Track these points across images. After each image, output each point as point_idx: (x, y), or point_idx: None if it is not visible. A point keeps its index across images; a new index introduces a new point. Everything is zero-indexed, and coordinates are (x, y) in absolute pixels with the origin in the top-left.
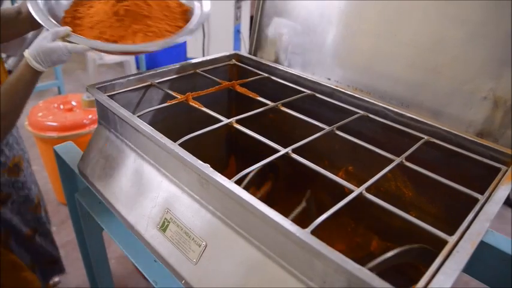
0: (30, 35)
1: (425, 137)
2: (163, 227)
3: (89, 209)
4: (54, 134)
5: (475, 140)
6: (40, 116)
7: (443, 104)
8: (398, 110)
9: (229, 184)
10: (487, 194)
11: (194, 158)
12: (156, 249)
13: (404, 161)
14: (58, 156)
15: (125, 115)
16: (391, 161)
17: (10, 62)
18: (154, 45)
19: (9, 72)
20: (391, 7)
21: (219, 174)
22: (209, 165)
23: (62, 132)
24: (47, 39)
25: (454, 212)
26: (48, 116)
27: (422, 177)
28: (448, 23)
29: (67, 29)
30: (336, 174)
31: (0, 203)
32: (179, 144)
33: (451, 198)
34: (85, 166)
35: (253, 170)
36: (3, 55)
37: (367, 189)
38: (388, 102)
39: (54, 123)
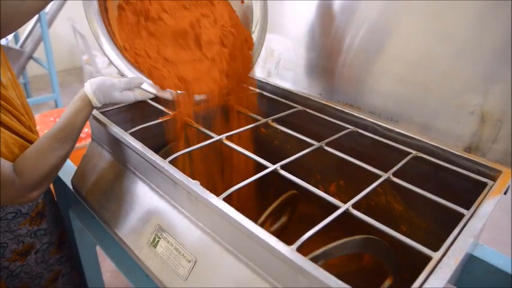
0: (29, 49)
1: (414, 152)
2: (154, 243)
3: (83, 224)
4: None
5: (462, 155)
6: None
7: (432, 118)
8: (387, 125)
9: (217, 202)
10: (472, 209)
11: (183, 175)
12: (147, 265)
13: (391, 176)
14: None
15: (116, 132)
16: (379, 176)
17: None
18: None
19: None
20: (379, 24)
21: (208, 192)
22: (198, 182)
23: None
24: (117, 88)
25: (444, 226)
26: (43, 130)
27: (411, 191)
28: (435, 39)
29: (141, 80)
30: (328, 189)
31: (21, 255)
32: (169, 161)
33: (440, 213)
34: (78, 181)
35: (241, 187)
36: None
37: (354, 205)
38: (377, 117)
39: None
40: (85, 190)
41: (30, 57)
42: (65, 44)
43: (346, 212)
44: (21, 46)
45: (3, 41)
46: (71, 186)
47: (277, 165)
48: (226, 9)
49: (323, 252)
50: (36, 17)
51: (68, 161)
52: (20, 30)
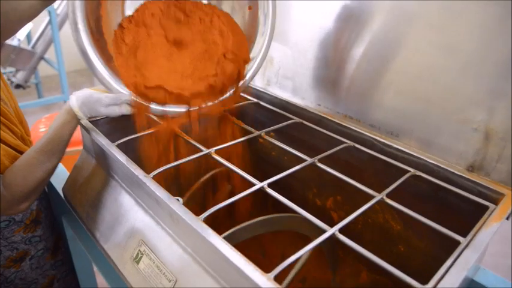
0: (40, 50)
1: (412, 170)
2: (136, 259)
3: (74, 233)
4: None
5: (463, 175)
6: (42, 131)
7: (433, 134)
8: (385, 140)
9: (196, 223)
10: (469, 236)
11: (164, 192)
12: (129, 281)
13: (385, 198)
14: None
15: (102, 143)
16: (373, 197)
17: (19, 76)
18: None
19: (18, 86)
20: (381, 35)
21: (187, 211)
22: (181, 199)
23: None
24: (103, 103)
25: (443, 248)
26: None
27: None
28: (439, 52)
29: (128, 96)
30: (325, 203)
31: (16, 262)
32: (154, 176)
33: (439, 235)
34: (69, 190)
35: (222, 206)
36: (12, 69)
37: (348, 225)
38: (377, 131)
39: None
40: (74, 199)
41: (41, 58)
42: (75, 45)
43: (333, 237)
44: (33, 47)
45: (15, 42)
46: (62, 195)
47: (265, 183)
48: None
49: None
50: (47, 18)
51: (62, 168)
52: (32, 31)
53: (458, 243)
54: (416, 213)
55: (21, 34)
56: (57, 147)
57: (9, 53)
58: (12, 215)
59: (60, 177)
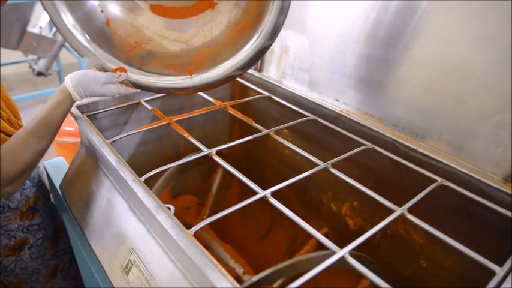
0: (61, 37)
1: (439, 180)
2: (126, 269)
3: (73, 231)
4: (70, 139)
5: (500, 188)
6: None
7: (466, 137)
8: (409, 144)
9: (183, 238)
10: (507, 265)
11: (153, 201)
12: None
13: (406, 213)
14: (46, 173)
15: (94, 140)
16: (392, 211)
17: (40, 64)
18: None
19: (40, 73)
20: (407, 23)
21: (176, 224)
22: (172, 207)
23: (78, 137)
24: (98, 80)
25: (472, 267)
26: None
27: (434, 224)
28: (474, 43)
29: (124, 75)
30: (341, 208)
31: (15, 250)
32: (145, 180)
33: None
34: (65, 188)
35: (216, 219)
36: (34, 57)
37: (351, 253)
38: (401, 131)
39: (71, 128)
40: (70, 198)
41: (62, 45)
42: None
43: (342, 259)
44: (54, 35)
45: (37, 30)
46: (60, 191)
47: (268, 192)
48: None
49: None
50: None
51: (64, 162)
52: None
53: (492, 274)
54: (442, 230)
55: (43, 21)
56: (48, 129)
57: (30, 41)
58: None
59: (59, 171)
